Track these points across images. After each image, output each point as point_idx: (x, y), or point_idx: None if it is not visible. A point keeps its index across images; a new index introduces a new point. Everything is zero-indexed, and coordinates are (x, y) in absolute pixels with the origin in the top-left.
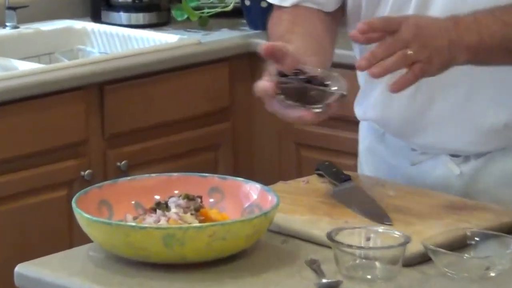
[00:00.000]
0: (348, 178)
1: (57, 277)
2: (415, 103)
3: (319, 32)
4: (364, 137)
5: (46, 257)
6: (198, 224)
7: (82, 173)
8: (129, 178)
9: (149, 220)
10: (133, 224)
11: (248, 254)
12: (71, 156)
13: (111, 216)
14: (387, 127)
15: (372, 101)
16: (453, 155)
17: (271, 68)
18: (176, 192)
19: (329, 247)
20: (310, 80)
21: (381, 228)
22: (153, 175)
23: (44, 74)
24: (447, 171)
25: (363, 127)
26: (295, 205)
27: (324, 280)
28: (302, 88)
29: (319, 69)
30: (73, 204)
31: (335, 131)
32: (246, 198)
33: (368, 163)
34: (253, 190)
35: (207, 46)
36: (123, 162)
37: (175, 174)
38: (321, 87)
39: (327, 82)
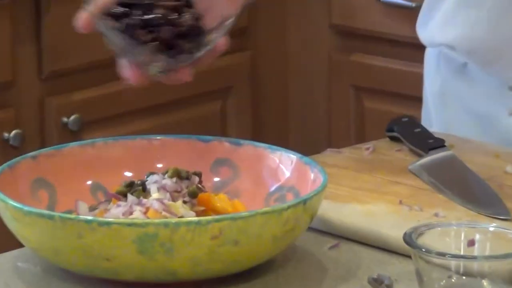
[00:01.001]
0: (441, 144)
1: None
2: None
3: None
4: (434, 75)
5: None
6: (195, 219)
7: (6, 134)
8: (82, 143)
9: (115, 212)
10: (89, 217)
11: (276, 268)
12: None
13: (53, 204)
14: (473, 53)
15: (448, 13)
16: None
17: None
18: (159, 166)
19: (408, 256)
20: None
21: (492, 226)
22: (122, 138)
23: None
24: None
25: (431, 59)
26: (352, 187)
27: None
28: (129, 31)
29: None
30: None
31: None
32: (273, 176)
33: (441, 114)
34: (284, 163)
35: None
36: (72, 117)
37: (158, 136)
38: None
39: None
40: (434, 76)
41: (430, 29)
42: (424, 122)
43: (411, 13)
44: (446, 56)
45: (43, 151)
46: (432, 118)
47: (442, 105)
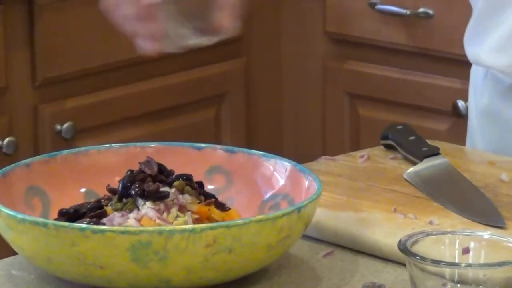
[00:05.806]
0: (435, 152)
1: None
2: None
3: None
4: (481, 92)
5: None
6: (189, 226)
7: None
8: (75, 150)
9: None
10: (83, 225)
11: (270, 275)
12: None
13: (47, 212)
14: None
15: (503, 39)
16: None
17: None
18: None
19: (402, 264)
20: None
21: (487, 233)
22: (115, 145)
23: None
24: None
25: (477, 75)
26: (347, 195)
27: None
28: None
29: None
30: None
31: (420, 76)
32: (267, 183)
33: (485, 133)
34: (279, 170)
35: None
36: (66, 125)
37: (152, 144)
38: None
39: None
40: (482, 93)
41: (480, 51)
42: (469, 139)
43: (406, 21)
44: (492, 74)
45: (37, 158)
46: (476, 136)
47: (486, 123)
